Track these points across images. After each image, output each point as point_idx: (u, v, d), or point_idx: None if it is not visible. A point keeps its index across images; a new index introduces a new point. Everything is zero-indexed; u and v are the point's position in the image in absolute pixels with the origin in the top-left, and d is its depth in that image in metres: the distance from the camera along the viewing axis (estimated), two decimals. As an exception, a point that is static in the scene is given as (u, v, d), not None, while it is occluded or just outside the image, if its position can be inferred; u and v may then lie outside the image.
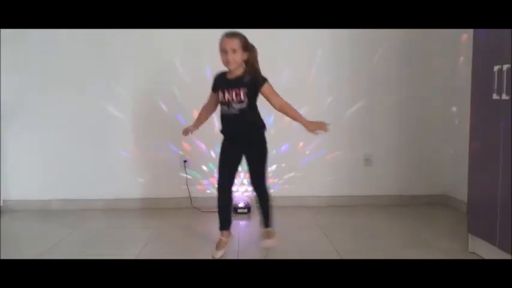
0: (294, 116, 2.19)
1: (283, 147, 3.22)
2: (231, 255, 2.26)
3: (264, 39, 3.02)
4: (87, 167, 3.22)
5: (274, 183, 3.21)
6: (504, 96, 1.89)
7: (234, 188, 2.30)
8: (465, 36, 2.98)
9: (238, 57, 2.10)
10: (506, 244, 1.91)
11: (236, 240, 2.46)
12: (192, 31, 2.97)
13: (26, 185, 3.24)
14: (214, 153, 3.13)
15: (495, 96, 1.94)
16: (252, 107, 2.18)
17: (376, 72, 3.21)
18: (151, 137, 3.23)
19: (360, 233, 2.65)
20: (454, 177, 3.14)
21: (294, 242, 2.47)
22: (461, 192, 2.87)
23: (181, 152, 3.21)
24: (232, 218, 2.34)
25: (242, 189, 3.22)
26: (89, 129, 3.20)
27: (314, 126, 2.16)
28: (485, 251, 2.13)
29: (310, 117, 3.19)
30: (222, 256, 2.21)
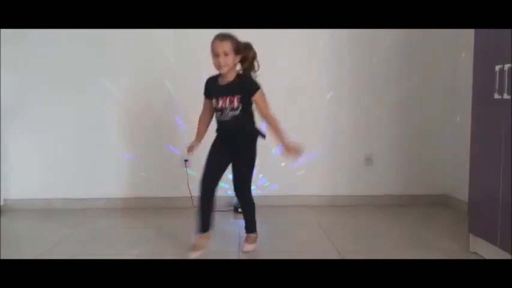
0: (276, 132, 2.13)
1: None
2: (232, 255, 2.26)
3: (264, 39, 3.02)
4: (88, 166, 3.22)
5: (274, 183, 3.21)
6: (505, 96, 1.88)
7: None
8: (466, 37, 2.98)
9: (230, 61, 2.06)
10: (507, 244, 1.91)
11: (236, 240, 2.46)
12: (192, 31, 2.96)
13: (26, 184, 3.23)
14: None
15: (496, 96, 1.94)
16: (246, 113, 2.15)
17: (376, 72, 3.21)
18: (151, 136, 3.22)
19: (361, 233, 2.64)
20: (455, 177, 3.13)
21: (295, 241, 2.47)
22: (461, 192, 2.86)
23: (182, 152, 3.21)
24: (212, 221, 2.27)
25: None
26: (89, 129, 3.20)
27: (291, 150, 2.09)
28: (486, 250, 2.12)
29: (310, 118, 3.24)
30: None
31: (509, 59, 1.86)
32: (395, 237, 2.54)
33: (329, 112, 3.23)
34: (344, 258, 2.19)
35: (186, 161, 3.20)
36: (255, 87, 2.12)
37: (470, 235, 2.22)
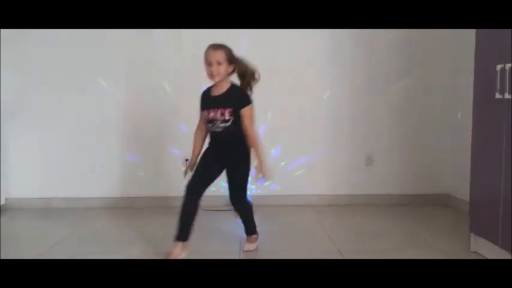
0: (255, 150, 2.13)
1: (283, 147, 3.21)
2: (232, 255, 2.25)
3: (264, 39, 3.03)
4: (88, 166, 3.22)
5: (274, 183, 3.21)
6: (507, 96, 1.88)
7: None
8: (466, 37, 2.98)
9: (223, 70, 2.06)
10: (508, 243, 1.91)
11: (237, 240, 2.45)
12: (192, 31, 2.96)
13: (26, 184, 3.23)
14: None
15: (497, 96, 1.94)
16: (238, 124, 2.12)
17: (376, 72, 3.21)
18: (151, 136, 3.22)
19: (362, 233, 2.64)
20: (455, 177, 3.13)
21: (296, 241, 2.47)
22: (462, 191, 2.86)
23: (182, 151, 3.20)
24: (192, 230, 2.17)
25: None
26: (89, 129, 3.20)
27: (263, 172, 2.10)
28: (487, 250, 2.12)
29: (310, 117, 3.24)
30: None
31: (510, 58, 1.86)
32: (395, 236, 2.54)
33: (329, 112, 3.23)
34: (346, 258, 2.19)
35: (187, 160, 3.18)
36: (246, 101, 2.11)
37: (471, 235, 2.22)
